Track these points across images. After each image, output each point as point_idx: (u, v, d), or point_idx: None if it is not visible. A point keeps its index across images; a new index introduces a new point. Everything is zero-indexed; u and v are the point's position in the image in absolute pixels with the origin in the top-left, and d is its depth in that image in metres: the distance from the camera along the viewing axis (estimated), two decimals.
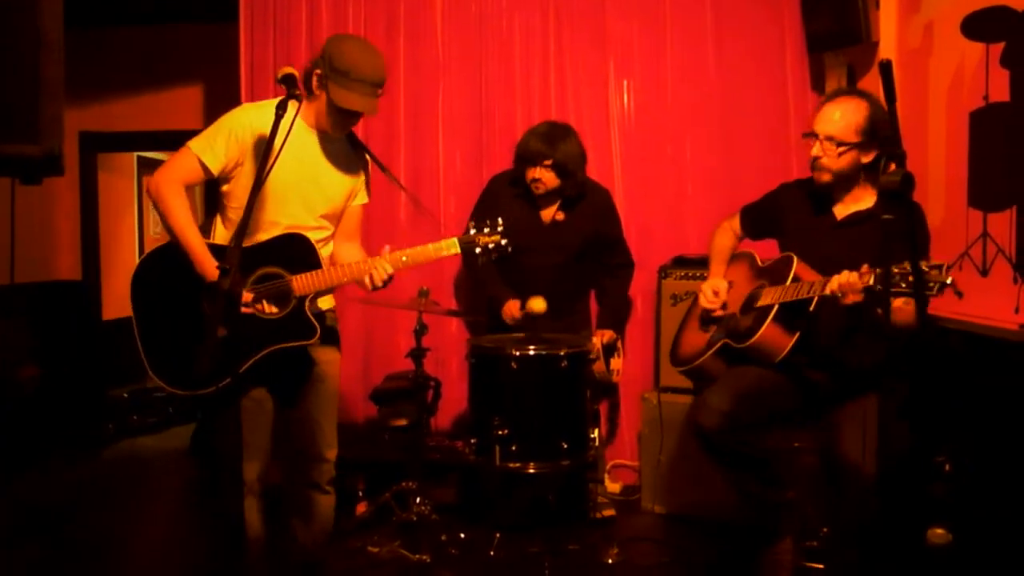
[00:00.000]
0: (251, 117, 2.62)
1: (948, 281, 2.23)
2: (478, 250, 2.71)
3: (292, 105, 2.39)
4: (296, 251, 2.62)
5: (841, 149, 2.77)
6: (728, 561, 3.42)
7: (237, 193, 2.63)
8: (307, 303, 2.62)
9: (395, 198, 4.57)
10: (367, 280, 2.65)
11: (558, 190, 3.74)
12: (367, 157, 2.88)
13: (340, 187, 2.78)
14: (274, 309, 2.59)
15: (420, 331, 3.69)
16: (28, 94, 1.80)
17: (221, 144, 2.59)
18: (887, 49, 3.75)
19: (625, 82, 4.53)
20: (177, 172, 2.60)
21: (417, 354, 3.71)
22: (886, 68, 1.97)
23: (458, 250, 2.70)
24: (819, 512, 3.11)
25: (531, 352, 3.42)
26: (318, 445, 2.81)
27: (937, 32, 3.38)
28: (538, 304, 3.64)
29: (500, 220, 2.73)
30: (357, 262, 2.67)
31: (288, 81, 2.42)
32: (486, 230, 2.72)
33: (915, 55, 3.53)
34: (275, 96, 2.70)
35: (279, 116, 2.34)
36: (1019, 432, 2.59)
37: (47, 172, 1.87)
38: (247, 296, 2.53)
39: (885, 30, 3.76)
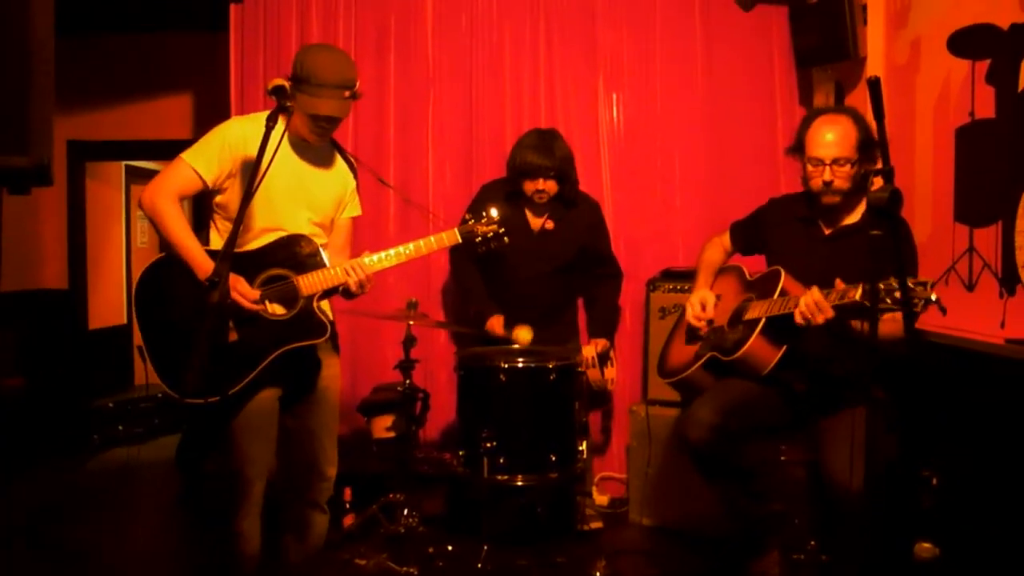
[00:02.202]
0: (243, 128, 2.62)
1: (933, 298, 2.24)
2: (478, 239, 2.77)
3: (282, 117, 2.40)
4: (300, 252, 2.63)
5: (848, 168, 2.79)
6: (715, 574, 3.42)
7: (231, 204, 2.62)
8: (315, 302, 2.62)
9: (384, 208, 4.56)
10: (352, 276, 2.62)
11: (556, 195, 3.77)
12: (356, 167, 2.89)
13: (330, 195, 2.79)
14: (281, 310, 2.59)
15: (408, 343, 3.68)
16: (17, 103, 1.78)
17: (215, 155, 2.58)
18: (874, 65, 3.78)
19: (614, 95, 4.55)
20: (171, 184, 2.58)
21: (405, 366, 3.70)
22: (875, 85, 1.98)
23: (459, 239, 2.76)
24: (806, 525, 3.11)
25: (520, 364, 3.42)
26: (320, 462, 2.80)
27: (924, 49, 3.41)
28: (524, 335, 3.65)
29: (495, 212, 2.79)
30: (360, 258, 2.68)
31: (278, 93, 2.43)
32: (484, 220, 2.78)
33: (902, 71, 3.56)
34: (264, 107, 2.71)
35: (269, 127, 2.36)
36: (1004, 445, 2.60)
37: (36, 182, 1.85)
38: (255, 293, 2.53)
39: (872, 46, 3.79)
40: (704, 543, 3.69)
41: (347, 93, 2.58)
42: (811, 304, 2.55)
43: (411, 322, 3.64)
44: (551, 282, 3.88)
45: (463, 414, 3.58)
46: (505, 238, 2.79)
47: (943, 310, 2.30)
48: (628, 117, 4.55)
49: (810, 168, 2.86)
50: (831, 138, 2.81)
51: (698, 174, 4.52)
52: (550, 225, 3.84)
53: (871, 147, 2.80)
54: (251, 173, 2.33)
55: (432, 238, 2.74)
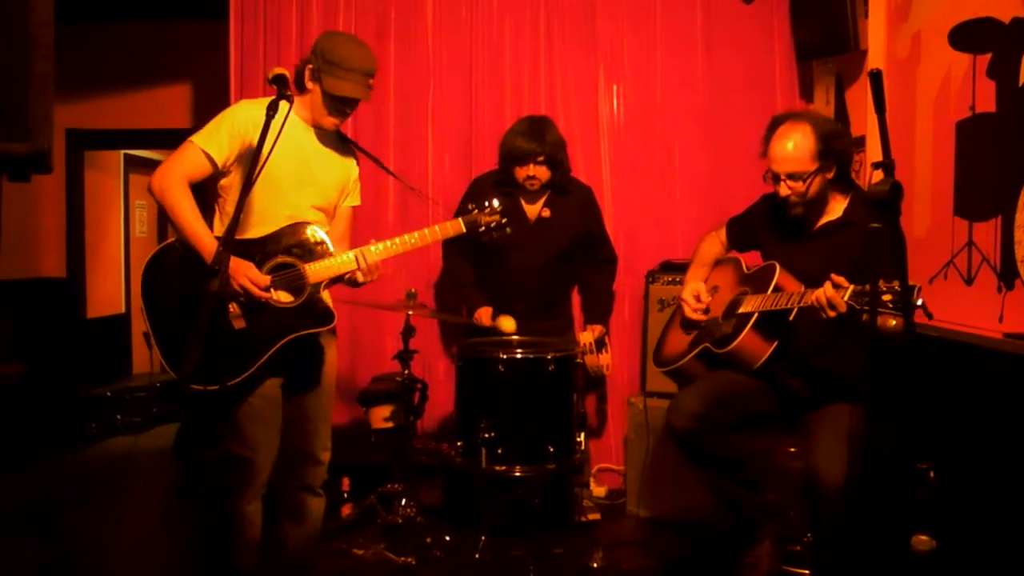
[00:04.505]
0: (251, 112, 2.62)
1: (919, 303, 2.24)
2: (481, 228, 2.80)
3: (283, 105, 2.40)
4: (307, 240, 2.64)
5: (807, 181, 2.79)
6: (712, 566, 3.43)
7: (236, 187, 2.63)
8: (321, 291, 2.64)
9: (383, 198, 4.55)
10: (362, 262, 2.65)
11: (548, 182, 3.77)
12: (359, 156, 2.91)
13: (333, 180, 2.81)
14: (289, 298, 2.60)
15: (407, 333, 3.69)
16: (18, 91, 1.78)
17: (225, 137, 2.59)
18: (875, 58, 3.77)
19: (615, 87, 4.54)
20: (181, 167, 2.58)
21: (404, 356, 3.71)
22: (876, 78, 1.98)
23: (464, 229, 2.79)
24: (802, 517, 3.13)
25: (518, 355, 3.43)
26: (314, 447, 2.83)
27: (925, 42, 3.40)
28: (508, 324, 3.65)
29: (497, 202, 2.82)
30: (364, 247, 2.70)
31: (279, 81, 2.43)
32: (487, 209, 2.80)
33: (903, 65, 3.55)
34: (264, 95, 2.71)
35: (270, 116, 2.36)
36: (1002, 440, 2.61)
37: (36, 169, 1.86)
38: (265, 280, 2.54)
39: (873, 39, 3.78)
40: (701, 535, 3.70)
41: (371, 81, 2.66)
42: (823, 299, 2.55)
43: (410, 312, 3.64)
44: (548, 271, 3.89)
45: (461, 405, 3.58)
46: (508, 228, 2.81)
47: (929, 315, 2.31)
48: (628, 109, 4.55)
49: (770, 177, 2.86)
50: (785, 152, 2.79)
51: (698, 166, 4.52)
52: (546, 213, 3.84)
53: (833, 153, 2.79)
54: (252, 160, 2.34)
55: (436, 227, 2.77)
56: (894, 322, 2.37)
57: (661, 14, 4.51)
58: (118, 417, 6.07)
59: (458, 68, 4.55)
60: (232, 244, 2.22)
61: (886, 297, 2.29)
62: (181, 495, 4.65)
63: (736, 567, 3.02)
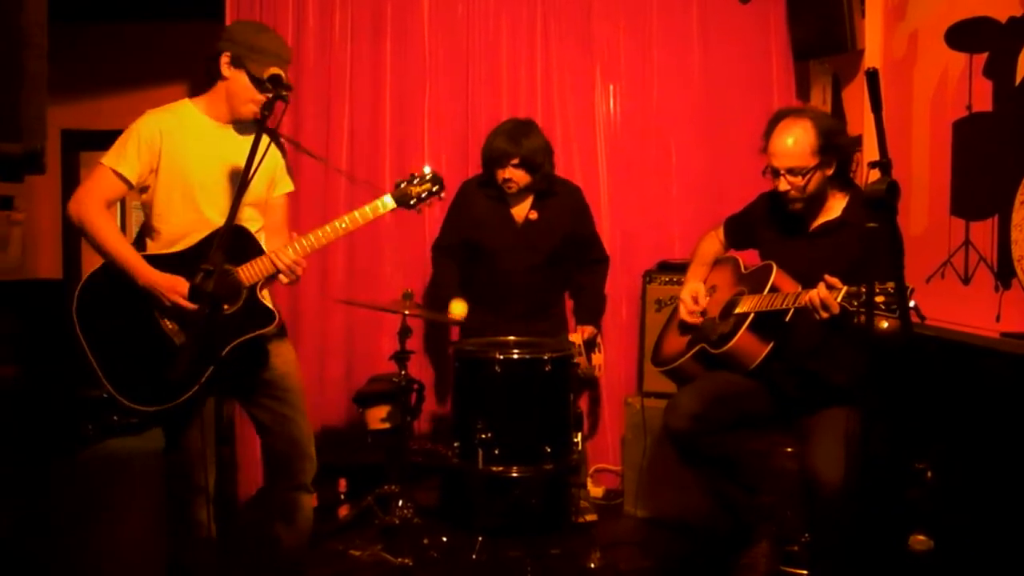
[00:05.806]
0: (158, 121, 2.63)
1: (911, 304, 2.24)
2: (413, 200, 2.76)
3: (188, 107, 2.39)
4: (236, 243, 2.57)
5: (807, 177, 2.78)
6: (710, 567, 3.43)
7: (157, 200, 2.62)
8: (259, 291, 2.62)
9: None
10: (279, 263, 2.59)
11: (529, 186, 3.75)
12: (285, 146, 2.91)
13: (259, 175, 2.73)
14: (227, 305, 2.58)
15: (404, 333, 3.68)
16: (10, 91, 1.77)
17: (133, 152, 2.58)
18: (872, 58, 3.77)
19: (611, 86, 4.54)
20: (97, 192, 2.58)
21: (401, 356, 3.70)
22: (872, 77, 1.98)
23: (394, 204, 2.75)
24: (800, 517, 3.12)
25: (515, 355, 3.42)
26: (304, 443, 2.82)
27: (921, 41, 3.40)
28: (458, 308, 3.64)
29: (428, 169, 2.80)
30: (296, 239, 2.66)
31: (275, 81, 2.42)
32: (416, 180, 2.77)
33: (900, 64, 3.55)
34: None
35: (265, 117, 2.34)
36: (999, 439, 2.61)
37: (29, 170, 1.85)
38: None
39: (870, 39, 3.78)
40: (698, 535, 3.69)
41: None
42: (815, 300, 2.55)
43: (406, 312, 3.63)
44: (539, 274, 3.87)
45: (458, 405, 3.57)
46: (441, 194, 2.80)
47: (922, 318, 2.32)
48: (625, 109, 4.54)
49: (770, 172, 2.86)
50: (785, 147, 2.79)
51: (695, 166, 4.52)
52: (534, 215, 3.83)
53: (833, 148, 2.79)
54: (245, 166, 2.28)
55: (367, 208, 2.71)
56: (886, 324, 2.36)
57: (657, 13, 4.50)
58: (115, 419, 6.05)
59: (454, 67, 4.54)
60: (226, 244, 2.20)
61: (879, 299, 2.29)
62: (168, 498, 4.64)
63: (733, 568, 3.02)
